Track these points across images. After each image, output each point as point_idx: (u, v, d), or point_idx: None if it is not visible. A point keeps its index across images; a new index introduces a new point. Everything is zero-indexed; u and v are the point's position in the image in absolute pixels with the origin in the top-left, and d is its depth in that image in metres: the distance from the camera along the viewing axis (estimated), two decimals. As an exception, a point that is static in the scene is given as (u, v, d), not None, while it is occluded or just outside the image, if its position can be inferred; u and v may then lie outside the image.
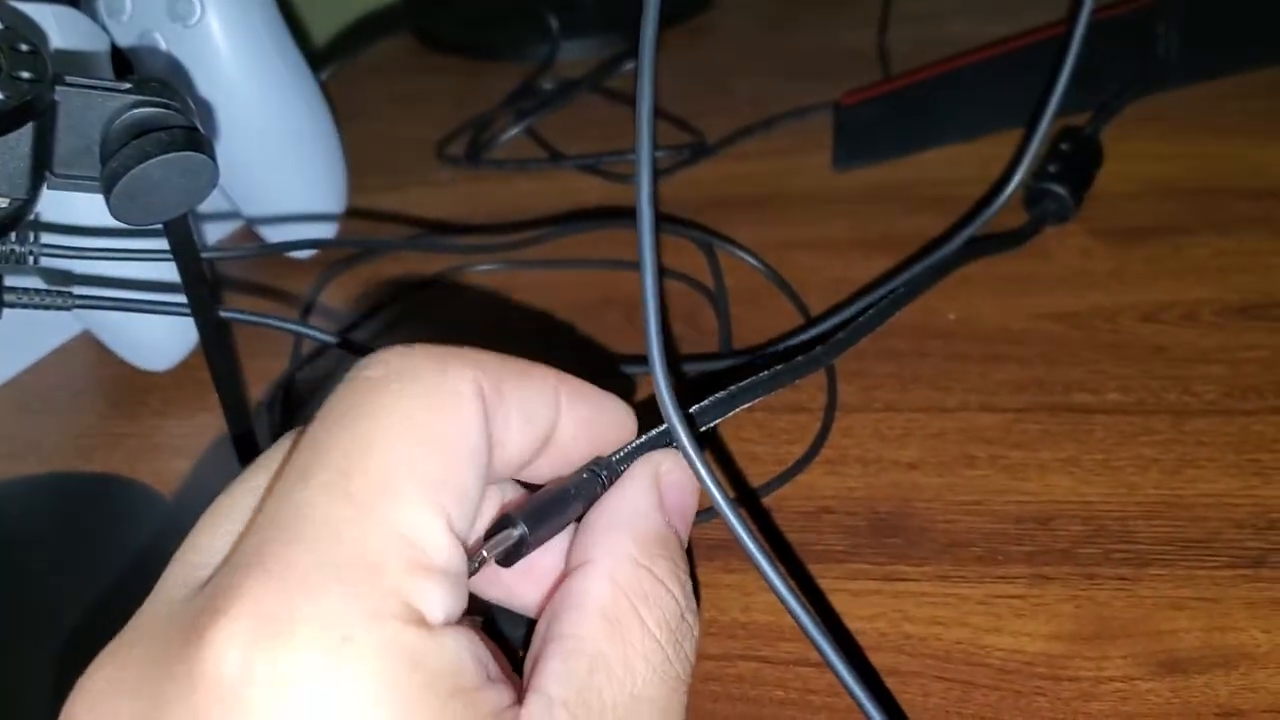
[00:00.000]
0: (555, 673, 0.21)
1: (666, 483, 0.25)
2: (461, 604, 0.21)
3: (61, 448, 0.44)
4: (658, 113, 0.60)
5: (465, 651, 0.20)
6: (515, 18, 0.70)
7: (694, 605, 0.24)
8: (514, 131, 0.60)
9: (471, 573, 0.22)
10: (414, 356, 0.22)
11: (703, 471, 0.25)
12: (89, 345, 0.49)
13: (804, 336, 0.43)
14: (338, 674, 0.18)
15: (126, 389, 0.47)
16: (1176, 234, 0.46)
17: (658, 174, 0.55)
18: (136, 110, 0.30)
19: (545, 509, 0.24)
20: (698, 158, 0.56)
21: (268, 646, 0.18)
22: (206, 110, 0.46)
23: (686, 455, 0.26)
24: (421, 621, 0.19)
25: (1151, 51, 0.54)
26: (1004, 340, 0.42)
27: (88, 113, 0.30)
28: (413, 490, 0.20)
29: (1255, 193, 0.48)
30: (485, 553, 0.23)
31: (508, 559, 0.23)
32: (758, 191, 0.53)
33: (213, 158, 0.30)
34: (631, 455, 0.26)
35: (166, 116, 0.30)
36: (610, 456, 0.26)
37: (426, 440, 0.20)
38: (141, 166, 0.29)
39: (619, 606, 0.22)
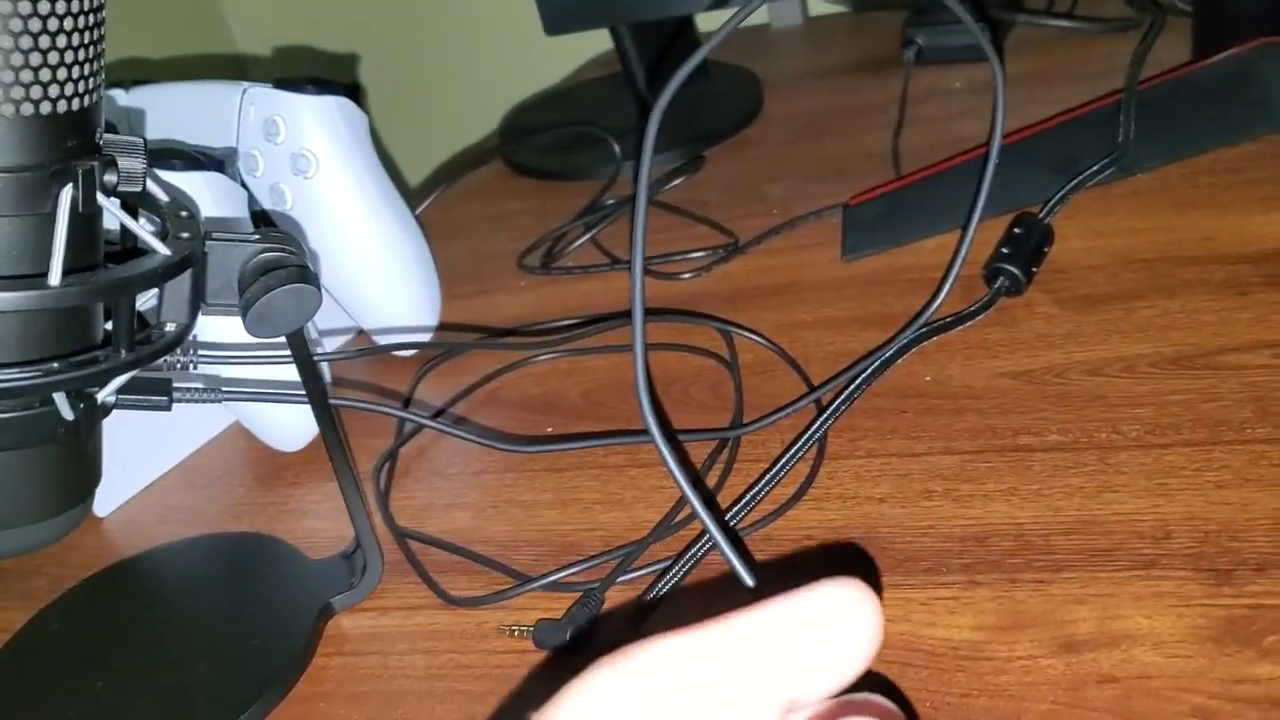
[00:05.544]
0: None
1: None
2: None
3: (218, 514, 0.56)
4: (702, 219, 0.70)
5: None
6: (587, 145, 0.82)
7: None
8: (581, 242, 0.71)
9: None
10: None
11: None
12: (240, 433, 0.61)
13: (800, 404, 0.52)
14: None
15: (268, 466, 0.59)
16: (1130, 299, 0.54)
17: (699, 271, 0.65)
18: (262, 255, 0.42)
19: None
20: (731, 255, 0.65)
21: None
22: (322, 246, 0.58)
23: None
24: None
25: (1114, 141, 0.61)
26: (968, 396, 0.50)
27: (228, 259, 0.42)
28: None
29: (1202, 259, 0.55)
30: None
31: None
32: (778, 281, 0.63)
33: (318, 287, 0.41)
34: None
35: (284, 258, 0.42)
36: None
37: None
38: (267, 296, 0.40)
39: None
